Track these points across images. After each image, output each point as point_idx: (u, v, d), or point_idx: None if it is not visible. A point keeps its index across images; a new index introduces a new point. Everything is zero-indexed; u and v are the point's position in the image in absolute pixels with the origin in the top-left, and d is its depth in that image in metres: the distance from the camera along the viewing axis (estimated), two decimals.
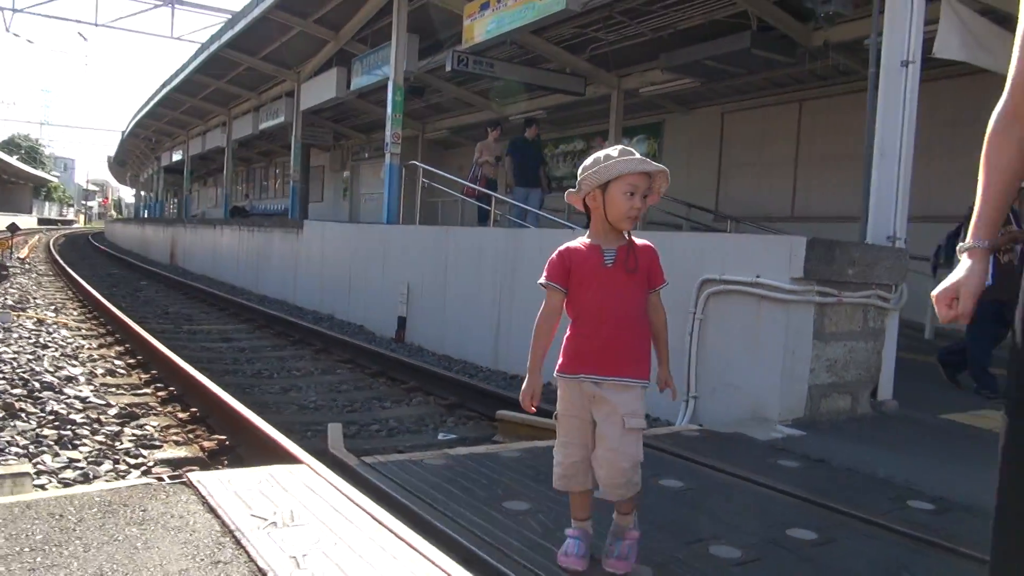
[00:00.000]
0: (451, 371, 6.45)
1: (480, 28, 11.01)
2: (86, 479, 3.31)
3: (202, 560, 2.17)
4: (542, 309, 2.33)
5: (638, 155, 2.22)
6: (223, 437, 3.89)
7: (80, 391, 4.82)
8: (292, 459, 3.22)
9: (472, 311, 7.29)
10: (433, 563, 2.26)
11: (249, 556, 2.20)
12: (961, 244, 1.53)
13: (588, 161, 2.27)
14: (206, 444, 3.87)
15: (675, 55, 11.25)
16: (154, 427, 4.22)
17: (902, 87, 5.02)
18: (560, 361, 2.31)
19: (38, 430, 3.86)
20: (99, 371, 5.64)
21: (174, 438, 4.04)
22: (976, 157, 1.62)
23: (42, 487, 3.21)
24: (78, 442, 3.76)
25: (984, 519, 1.37)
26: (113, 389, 5.15)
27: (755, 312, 4.64)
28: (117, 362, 6.15)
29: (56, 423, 4.02)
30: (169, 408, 4.70)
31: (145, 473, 3.47)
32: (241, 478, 2.87)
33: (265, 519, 2.49)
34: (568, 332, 2.32)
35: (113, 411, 4.42)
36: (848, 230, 10.06)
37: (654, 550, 2.50)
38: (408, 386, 5.95)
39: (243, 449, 3.80)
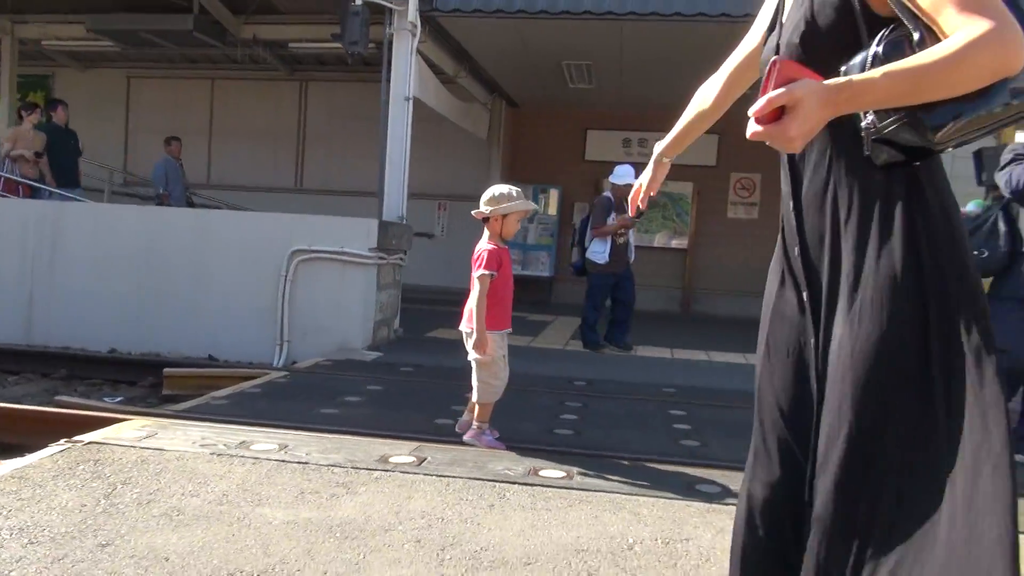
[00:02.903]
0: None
1: None
2: None
3: (238, 464, 3.11)
4: (484, 291, 3.47)
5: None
6: None
7: None
8: (109, 421, 3.76)
9: None
10: (357, 436, 3.64)
11: (256, 457, 3.22)
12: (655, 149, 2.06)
13: (496, 194, 3.54)
14: None
15: (108, 19, 11.25)
16: None
17: (405, 114, 7.32)
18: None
19: None
20: None
21: None
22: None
23: None
24: None
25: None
26: None
27: (340, 273, 6.42)
28: None
29: None
30: None
31: None
32: (123, 433, 3.48)
33: (214, 444, 3.38)
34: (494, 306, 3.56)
35: None
36: (265, 200, 12.11)
37: (419, 423, 4.29)
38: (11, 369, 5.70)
39: None
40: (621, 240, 6.89)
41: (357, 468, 3.17)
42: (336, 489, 2.91)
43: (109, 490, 2.77)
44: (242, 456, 3.24)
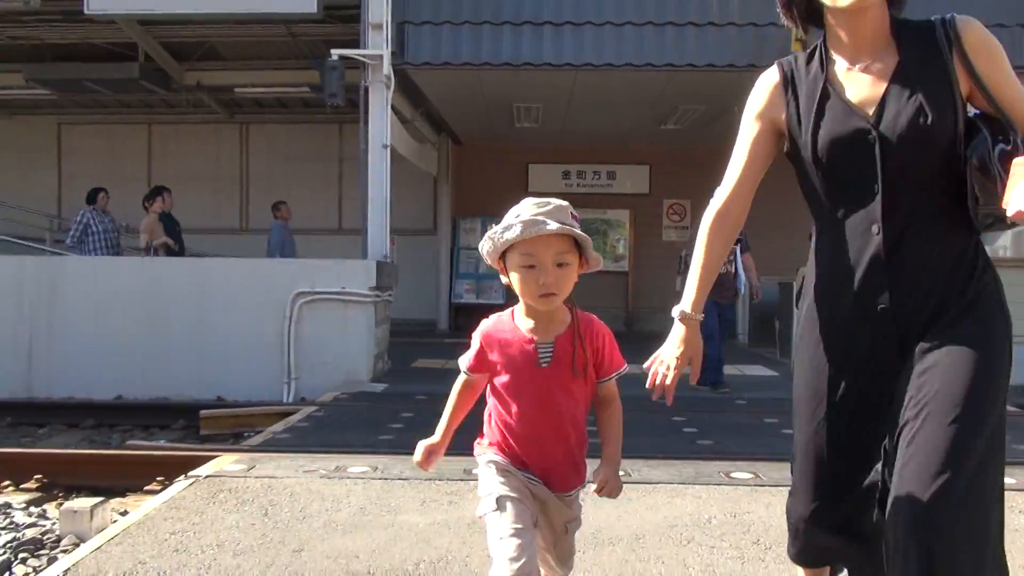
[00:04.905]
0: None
1: None
2: None
3: (351, 484, 3.59)
4: (456, 388, 1.93)
5: (547, 209, 1.67)
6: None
7: None
8: (200, 460, 4.14)
9: None
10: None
11: (361, 478, 3.70)
12: (682, 311, 1.77)
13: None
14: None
15: (48, 69, 11.27)
16: None
17: (383, 161, 7.84)
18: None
19: None
20: None
21: None
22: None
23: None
24: None
25: None
26: None
27: (343, 311, 6.87)
28: None
29: None
30: None
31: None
32: (225, 467, 3.88)
33: (316, 470, 3.84)
34: (499, 428, 1.85)
35: None
36: (209, 242, 12.21)
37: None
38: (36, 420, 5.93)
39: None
40: (723, 270, 6.10)
41: (452, 480, 3.70)
42: (450, 496, 3.45)
43: (262, 512, 3.21)
44: (349, 478, 3.71)
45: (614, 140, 12.28)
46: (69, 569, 2.58)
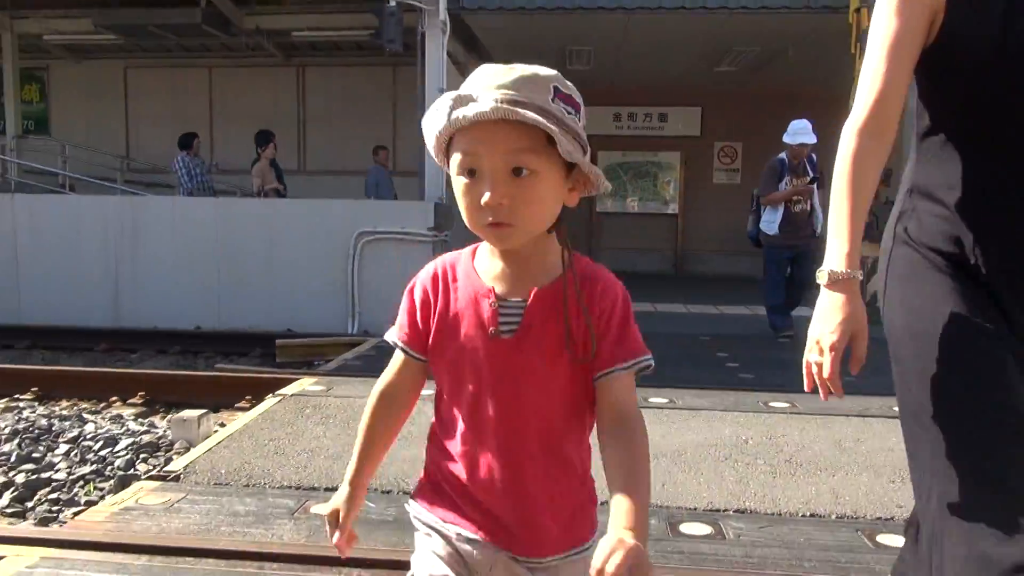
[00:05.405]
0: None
1: None
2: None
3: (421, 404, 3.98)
4: (383, 375, 1.27)
5: (505, 79, 1.06)
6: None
7: None
8: (284, 382, 4.59)
9: (71, 273, 7.51)
10: None
11: None
12: (831, 271, 1.27)
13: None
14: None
15: (116, 15, 11.69)
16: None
17: None
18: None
19: None
20: None
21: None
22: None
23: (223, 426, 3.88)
24: None
25: None
26: None
27: (403, 250, 7.25)
28: None
29: None
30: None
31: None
32: (306, 388, 4.31)
33: None
34: (434, 443, 1.24)
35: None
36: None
37: None
38: (126, 346, 6.55)
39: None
40: (798, 208, 5.95)
41: None
42: None
43: (344, 424, 3.63)
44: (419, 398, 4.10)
45: (666, 82, 12.25)
46: (188, 465, 3.03)
